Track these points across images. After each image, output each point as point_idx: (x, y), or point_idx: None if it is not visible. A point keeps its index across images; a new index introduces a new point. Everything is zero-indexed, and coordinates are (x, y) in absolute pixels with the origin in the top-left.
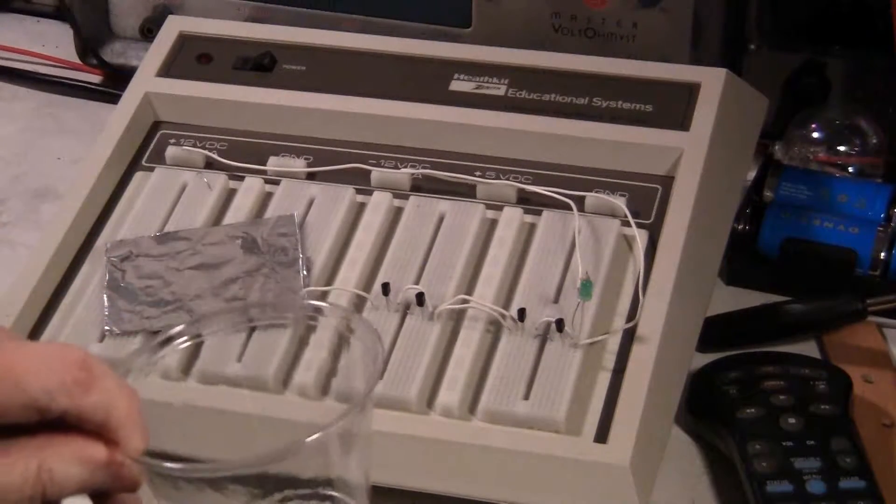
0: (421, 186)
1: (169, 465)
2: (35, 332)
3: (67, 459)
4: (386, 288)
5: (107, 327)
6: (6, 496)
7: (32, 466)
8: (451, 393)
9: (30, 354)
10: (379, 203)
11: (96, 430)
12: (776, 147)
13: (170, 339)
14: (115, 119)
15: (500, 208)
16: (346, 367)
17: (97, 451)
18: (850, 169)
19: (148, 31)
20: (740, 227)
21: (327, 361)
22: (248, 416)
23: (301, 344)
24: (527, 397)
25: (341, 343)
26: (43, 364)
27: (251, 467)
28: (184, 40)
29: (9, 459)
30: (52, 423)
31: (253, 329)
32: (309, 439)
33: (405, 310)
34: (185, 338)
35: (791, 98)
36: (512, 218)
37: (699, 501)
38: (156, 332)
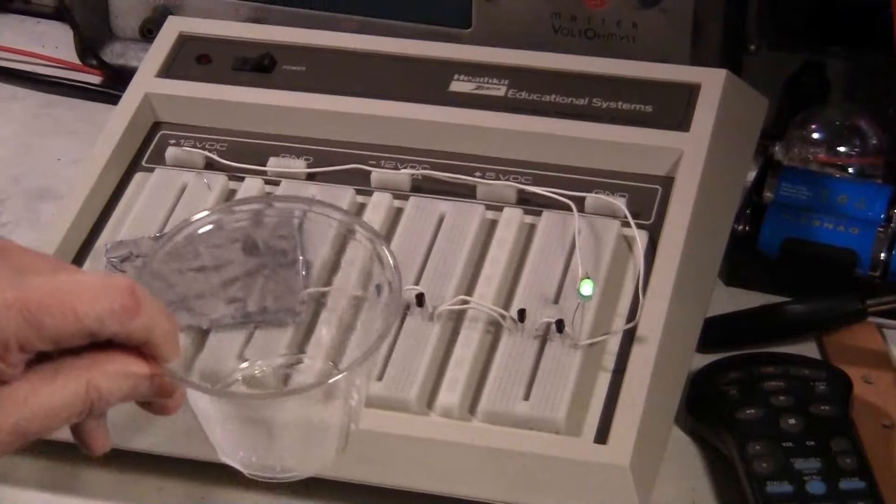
0: (421, 187)
1: (190, 383)
2: None
3: (112, 375)
4: None
5: None
6: (60, 413)
7: (82, 385)
8: (451, 393)
9: (81, 284)
10: (379, 203)
11: (137, 347)
12: (776, 147)
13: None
14: (115, 119)
15: (500, 209)
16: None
17: (139, 366)
18: (850, 169)
19: (148, 32)
20: (740, 227)
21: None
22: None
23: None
24: (527, 398)
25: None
26: (95, 293)
27: (272, 398)
28: (184, 41)
29: (60, 380)
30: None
31: (255, 329)
32: (332, 380)
33: (405, 310)
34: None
35: (791, 98)
36: (512, 218)
37: (699, 501)
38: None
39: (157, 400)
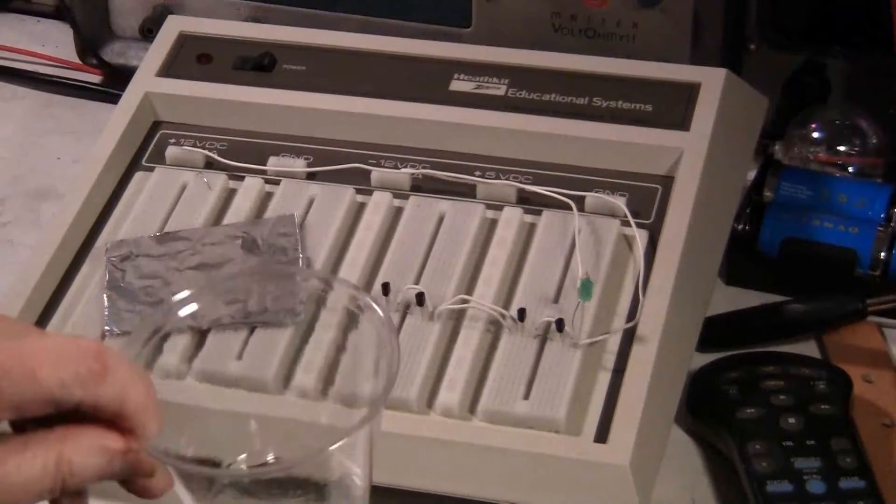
0: (421, 186)
1: (175, 461)
2: None
3: (85, 450)
4: (386, 288)
5: (107, 327)
6: (28, 488)
7: (52, 459)
8: (451, 393)
9: (44, 348)
10: (379, 203)
11: (112, 419)
12: (776, 147)
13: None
14: (115, 119)
15: (500, 208)
16: (351, 363)
17: (113, 440)
18: (850, 169)
19: (148, 31)
20: (740, 227)
21: (330, 358)
22: (248, 416)
23: (307, 332)
24: (527, 397)
25: (348, 329)
26: (57, 357)
27: (264, 474)
28: (184, 40)
29: (29, 454)
30: (69, 415)
31: (253, 327)
32: (333, 447)
33: (405, 310)
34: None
35: (791, 98)
36: (512, 218)
37: (699, 501)
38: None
39: (137, 479)
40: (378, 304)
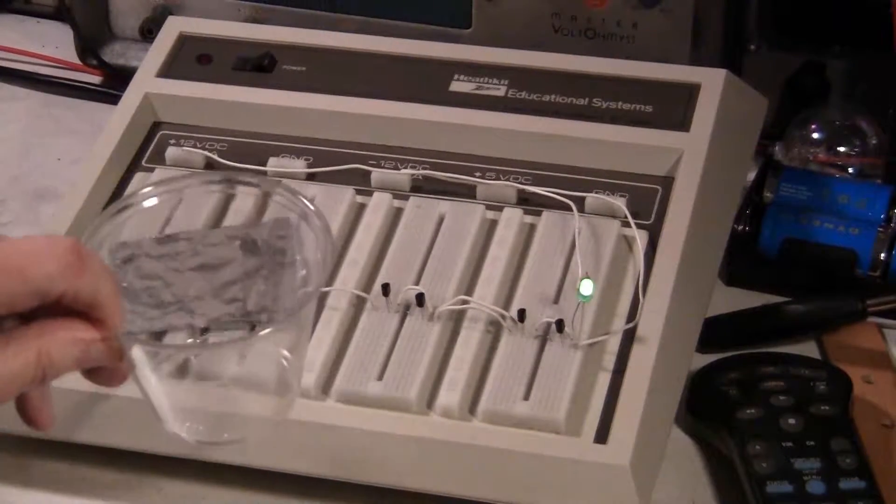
0: (421, 187)
1: (145, 340)
2: None
3: (63, 342)
4: (386, 288)
5: None
6: (12, 381)
7: (32, 353)
8: (451, 393)
9: (26, 247)
10: (379, 204)
11: (85, 310)
12: (776, 147)
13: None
14: (115, 119)
15: (500, 209)
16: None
17: (88, 331)
18: (850, 169)
19: (148, 32)
20: (740, 227)
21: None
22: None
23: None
24: (527, 398)
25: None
26: (40, 253)
27: (212, 348)
28: (184, 41)
29: (10, 349)
30: (41, 311)
31: (253, 328)
32: (262, 332)
33: (405, 310)
34: None
35: (791, 98)
36: (512, 218)
37: (699, 501)
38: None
39: (106, 365)
40: (311, 204)
